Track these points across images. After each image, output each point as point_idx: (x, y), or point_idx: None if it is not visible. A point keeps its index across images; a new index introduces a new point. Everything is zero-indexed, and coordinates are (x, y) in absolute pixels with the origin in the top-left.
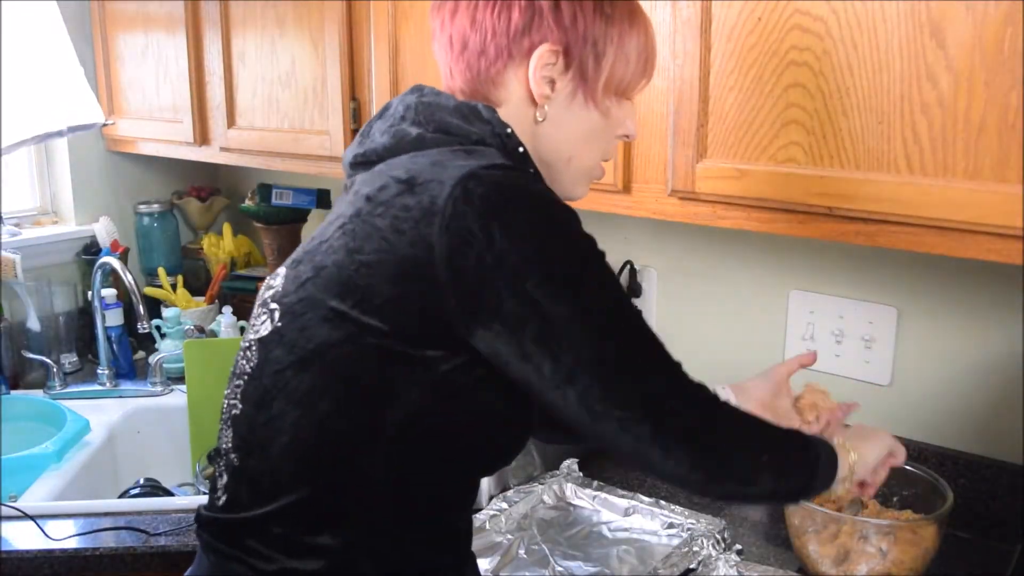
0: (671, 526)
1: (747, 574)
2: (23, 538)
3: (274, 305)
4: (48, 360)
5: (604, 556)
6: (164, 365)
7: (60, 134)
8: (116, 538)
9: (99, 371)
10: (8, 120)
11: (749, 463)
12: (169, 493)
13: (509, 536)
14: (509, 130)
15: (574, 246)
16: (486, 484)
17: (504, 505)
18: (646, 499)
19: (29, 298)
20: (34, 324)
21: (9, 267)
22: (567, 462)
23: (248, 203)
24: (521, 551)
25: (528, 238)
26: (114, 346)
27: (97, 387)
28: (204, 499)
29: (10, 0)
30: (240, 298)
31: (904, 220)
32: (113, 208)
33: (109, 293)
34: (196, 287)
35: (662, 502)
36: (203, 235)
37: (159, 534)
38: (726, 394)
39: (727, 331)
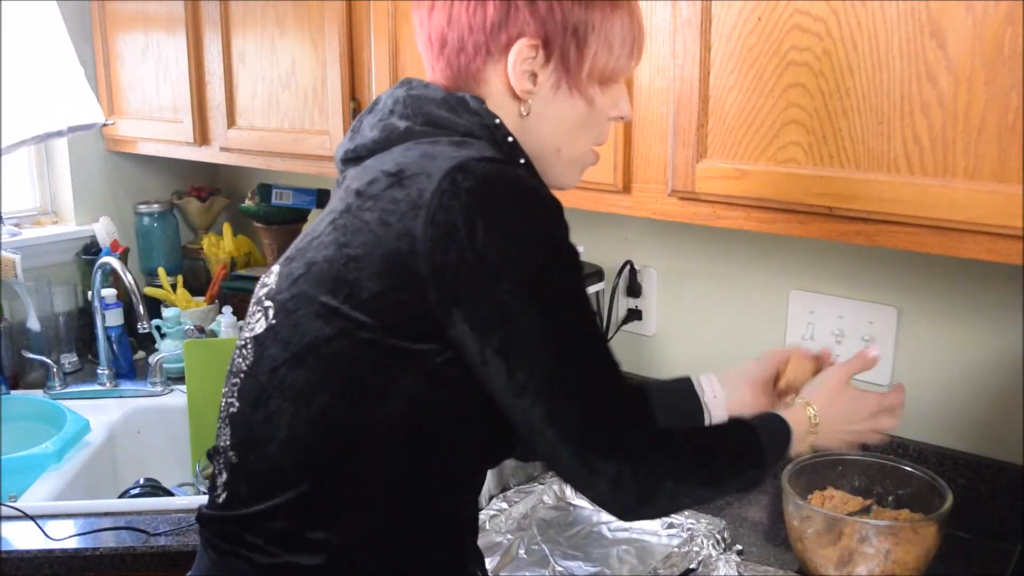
0: (671, 526)
1: (747, 574)
2: (23, 538)
3: (268, 303)
4: (48, 360)
5: (604, 556)
6: (164, 365)
7: (60, 134)
8: (116, 538)
9: (99, 371)
10: (8, 120)
11: (683, 493)
12: (169, 493)
13: (509, 536)
14: (497, 120)
15: (555, 252)
16: (486, 484)
17: (504, 505)
18: None
19: (29, 298)
20: (34, 324)
21: (9, 267)
22: None
23: (248, 203)
24: (521, 551)
25: (510, 236)
26: (114, 346)
27: (97, 387)
28: (204, 499)
29: (10, 0)
30: (240, 298)
31: (904, 220)
32: (113, 208)
33: (109, 293)
34: (196, 287)
35: None
36: (203, 235)
37: (159, 534)
38: (711, 386)
39: (727, 331)
